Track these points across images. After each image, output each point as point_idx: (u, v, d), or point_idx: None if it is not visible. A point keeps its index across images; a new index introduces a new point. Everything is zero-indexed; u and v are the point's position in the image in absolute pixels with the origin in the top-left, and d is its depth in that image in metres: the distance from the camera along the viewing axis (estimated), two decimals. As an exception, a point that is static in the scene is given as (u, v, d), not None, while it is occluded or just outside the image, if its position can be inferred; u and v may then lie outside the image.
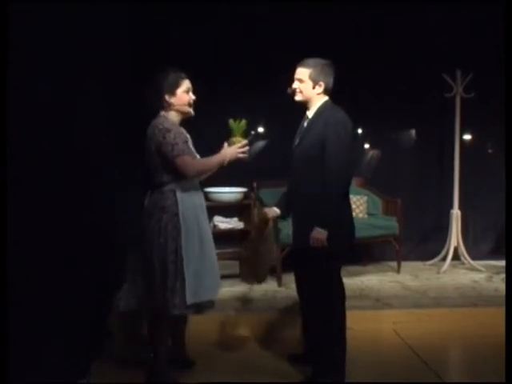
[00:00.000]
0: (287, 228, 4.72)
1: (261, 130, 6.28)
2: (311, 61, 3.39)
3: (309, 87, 3.37)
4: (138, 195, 5.25)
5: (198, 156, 3.46)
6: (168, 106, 3.37)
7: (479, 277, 5.72)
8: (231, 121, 3.41)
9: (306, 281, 3.48)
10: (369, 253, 6.33)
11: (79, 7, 3.40)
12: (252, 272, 3.66)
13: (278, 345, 4.13)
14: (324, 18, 5.56)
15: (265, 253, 3.59)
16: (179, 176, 3.30)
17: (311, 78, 3.36)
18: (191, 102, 3.42)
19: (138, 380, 3.55)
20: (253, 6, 5.30)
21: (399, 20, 5.68)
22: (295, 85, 3.41)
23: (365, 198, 6.09)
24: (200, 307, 3.43)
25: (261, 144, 6.26)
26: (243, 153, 3.36)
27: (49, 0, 2.96)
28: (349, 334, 3.89)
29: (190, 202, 3.35)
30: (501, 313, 4.10)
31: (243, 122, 3.42)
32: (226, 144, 3.42)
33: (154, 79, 3.39)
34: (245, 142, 3.37)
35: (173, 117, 3.39)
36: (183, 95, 3.37)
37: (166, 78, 3.35)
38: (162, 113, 3.39)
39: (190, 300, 3.25)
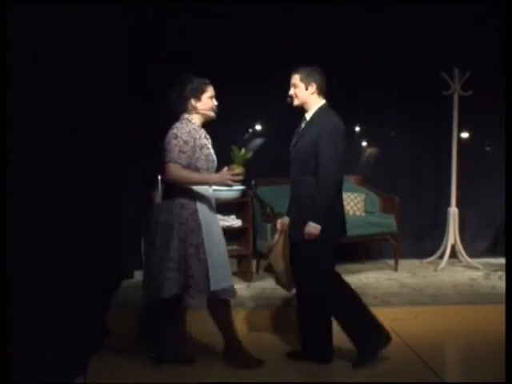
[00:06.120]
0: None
1: (258, 127, 6.29)
2: (301, 67, 3.69)
3: (302, 90, 3.64)
4: (138, 195, 5.28)
5: (214, 157, 3.62)
6: (192, 110, 3.57)
7: (477, 274, 5.73)
8: (235, 148, 3.56)
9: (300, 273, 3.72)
10: (367, 250, 6.34)
11: (80, 4, 3.41)
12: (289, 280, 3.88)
13: (276, 342, 4.15)
14: (322, 17, 5.55)
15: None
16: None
17: (302, 80, 3.64)
18: (214, 107, 3.62)
19: (136, 378, 3.56)
20: (253, 7, 5.28)
21: (397, 18, 5.68)
22: (291, 91, 3.69)
23: (363, 196, 6.09)
24: (221, 294, 3.60)
25: (258, 142, 6.26)
26: (235, 181, 3.51)
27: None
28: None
29: (205, 198, 3.57)
30: (498, 310, 4.13)
31: (247, 152, 3.58)
32: (225, 168, 3.56)
33: (178, 83, 3.56)
34: (238, 171, 3.50)
35: (196, 120, 3.59)
36: (208, 100, 3.59)
37: (191, 83, 3.54)
38: (186, 115, 3.59)
39: (213, 287, 3.50)
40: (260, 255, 5.62)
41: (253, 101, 5.79)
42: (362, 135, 6.51)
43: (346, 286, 3.78)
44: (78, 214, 3.54)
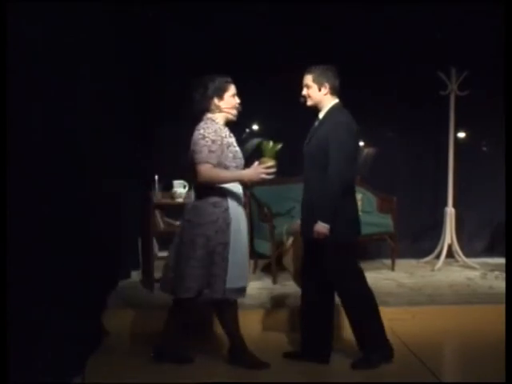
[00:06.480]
0: (282, 226, 4.74)
1: (255, 127, 6.29)
2: (313, 66, 3.66)
3: (315, 90, 3.63)
4: (137, 195, 5.28)
5: (241, 154, 3.63)
6: (215, 109, 3.55)
7: (474, 274, 5.74)
8: (264, 142, 3.57)
9: (314, 271, 3.71)
10: (364, 250, 6.33)
11: (80, 4, 3.42)
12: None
13: (274, 341, 4.16)
14: (322, 17, 5.55)
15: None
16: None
17: (315, 81, 3.62)
18: (237, 105, 3.61)
19: (135, 378, 3.56)
20: (253, 7, 5.28)
21: (395, 18, 5.69)
22: (304, 91, 3.67)
23: (360, 196, 6.06)
24: (235, 293, 3.60)
25: (255, 142, 6.26)
26: (268, 173, 3.50)
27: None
28: (344, 331, 3.94)
29: (235, 196, 3.57)
30: (496, 310, 4.16)
31: (276, 144, 3.55)
32: (256, 163, 3.56)
33: (200, 83, 3.55)
34: (270, 164, 3.49)
35: (220, 119, 3.58)
36: (230, 99, 3.58)
37: (213, 82, 3.54)
38: (209, 115, 3.57)
39: (229, 285, 3.51)
40: (258, 255, 5.63)
41: (251, 101, 5.76)
42: (360, 135, 6.50)
43: (369, 289, 3.76)
44: (78, 214, 3.55)
